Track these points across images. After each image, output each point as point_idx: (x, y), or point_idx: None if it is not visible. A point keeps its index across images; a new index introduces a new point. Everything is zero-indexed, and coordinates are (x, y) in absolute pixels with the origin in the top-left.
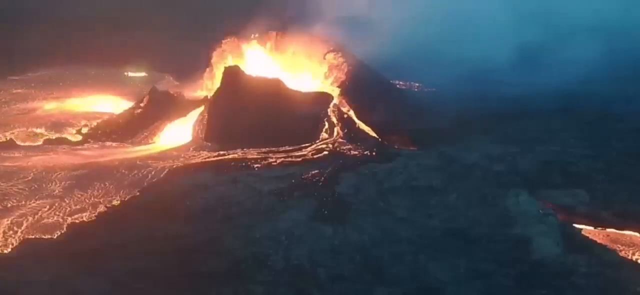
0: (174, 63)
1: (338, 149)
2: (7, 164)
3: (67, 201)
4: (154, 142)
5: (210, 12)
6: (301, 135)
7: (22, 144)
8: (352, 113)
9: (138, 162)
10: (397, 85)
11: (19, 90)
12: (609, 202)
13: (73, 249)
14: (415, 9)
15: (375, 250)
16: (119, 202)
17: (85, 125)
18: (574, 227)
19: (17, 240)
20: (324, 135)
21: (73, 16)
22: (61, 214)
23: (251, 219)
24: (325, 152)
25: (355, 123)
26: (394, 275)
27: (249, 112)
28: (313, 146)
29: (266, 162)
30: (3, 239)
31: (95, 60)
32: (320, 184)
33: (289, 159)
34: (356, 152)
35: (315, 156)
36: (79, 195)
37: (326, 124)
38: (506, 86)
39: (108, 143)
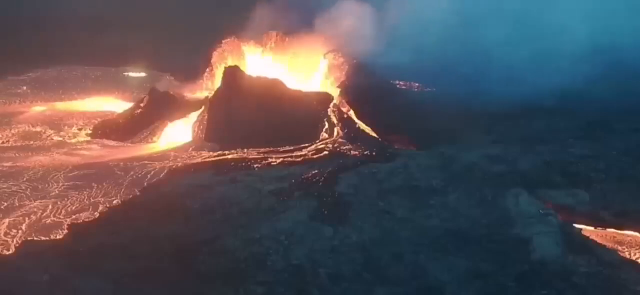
0: (174, 63)
1: (338, 149)
2: (6, 164)
3: (67, 201)
4: (154, 142)
5: (210, 12)
6: (301, 135)
7: (21, 143)
8: (352, 113)
9: (138, 162)
10: (397, 85)
11: (19, 90)
12: (609, 202)
13: (73, 249)
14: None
15: (375, 250)
16: (119, 202)
17: (85, 125)
18: (574, 227)
19: (17, 240)
20: (324, 135)
21: (73, 16)
22: (61, 214)
23: (251, 219)
24: (325, 152)
25: (355, 123)
26: (394, 275)
27: (249, 113)
28: (313, 146)
29: (266, 162)
30: (3, 239)
31: (95, 60)
32: (320, 184)
33: (289, 159)
34: (356, 152)
35: (315, 156)
36: (79, 195)
37: (326, 124)
38: (506, 86)
39: (108, 143)
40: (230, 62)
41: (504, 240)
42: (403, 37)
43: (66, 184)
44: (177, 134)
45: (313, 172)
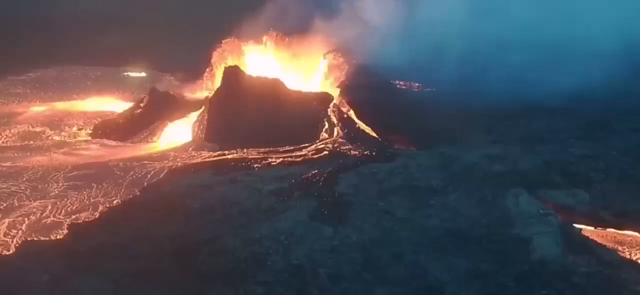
0: (174, 63)
1: (338, 149)
2: (7, 164)
3: (67, 201)
4: (154, 142)
5: (210, 12)
6: (301, 135)
7: (21, 143)
8: (352, 113)
9: (138, 162)
10: (397, 85)
11: (19, 90)
12: (609, 202)
13: (73, 249)
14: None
15: (375, 250)
16: (119, 202)
17: (85, 125)
18: (574, 227)
19: (17, 240)
20: (324, 135)
21: (73, 16)
22: (61, 214)
23: (251, 219)
24: (325, 152)
25: (355, 123)
26: (394, 275)
27: (249, 112)
28: (313, 146)
29: (266, 162)
30: (3, 239)
31: (95, 60)
32: (320, 184)
33: (289, 159)
34: (356, 152)
35: (315, 156)
36: (79, 195)
37: (326, 124)
38: (506, 86)
39: (108, 143)
40: (230, 62)
41: (504, 240)
42: (410, 36)
43: (66, 184)
44: (177, 134)
45: (313, 172)
